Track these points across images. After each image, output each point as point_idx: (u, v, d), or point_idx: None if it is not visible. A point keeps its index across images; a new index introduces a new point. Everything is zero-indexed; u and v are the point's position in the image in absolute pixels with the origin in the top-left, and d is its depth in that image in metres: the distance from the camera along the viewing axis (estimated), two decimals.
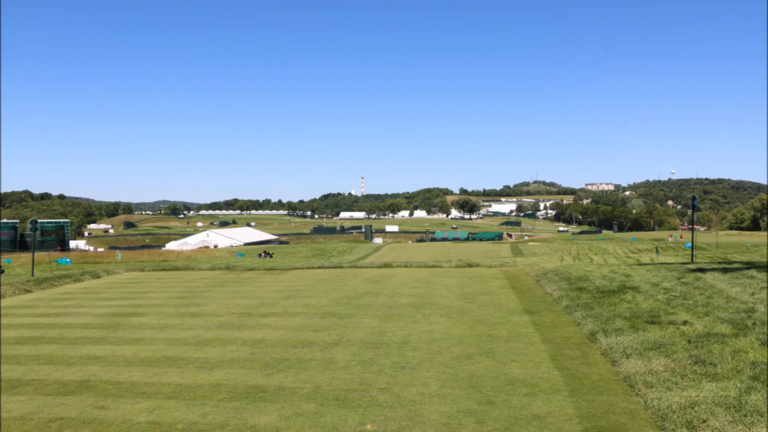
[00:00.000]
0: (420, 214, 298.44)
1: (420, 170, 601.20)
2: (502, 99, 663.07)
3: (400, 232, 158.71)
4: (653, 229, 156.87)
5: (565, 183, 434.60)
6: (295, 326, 11.46)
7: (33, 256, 26.65)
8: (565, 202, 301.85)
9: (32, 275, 23.48)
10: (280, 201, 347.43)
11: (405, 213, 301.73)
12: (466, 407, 6.53)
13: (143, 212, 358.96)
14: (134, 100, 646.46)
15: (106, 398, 7.25)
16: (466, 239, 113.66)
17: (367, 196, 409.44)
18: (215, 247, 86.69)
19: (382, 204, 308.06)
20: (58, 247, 60.79)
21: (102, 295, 17.43)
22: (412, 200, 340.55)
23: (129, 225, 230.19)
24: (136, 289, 18.69)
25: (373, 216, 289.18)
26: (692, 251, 25.22)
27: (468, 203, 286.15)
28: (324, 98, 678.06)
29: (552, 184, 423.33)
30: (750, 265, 18.61)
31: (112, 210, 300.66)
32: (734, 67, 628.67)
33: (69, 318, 13.30)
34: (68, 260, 41.39)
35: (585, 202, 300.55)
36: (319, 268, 24.45)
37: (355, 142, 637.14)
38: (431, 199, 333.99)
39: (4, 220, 68.26)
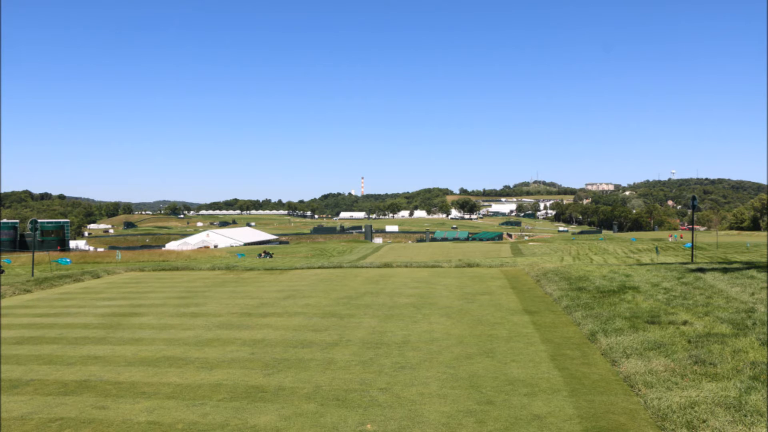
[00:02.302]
0: (420, 214, 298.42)
1: (420, 170, 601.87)
2: (502, 99, 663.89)
3: (400, 232, 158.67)
4: (653, 229, 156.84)
5: (565, 183, 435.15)
6: (295, 326, 11.46)
7: (33, 256, 26.65)
8: (565, 202, 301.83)
9: (32, 275, 23.48)
10: (280, 201, 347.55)
11: (405, 213, 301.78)
12: (466, 407, 6.53)
13: (143, 212, 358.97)
14: (134, 100, 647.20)
15: (106, 398, 7.25)
16: (466, 239, 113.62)
17: (367, 196, 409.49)
18: (215, 247, 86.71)
19: (382, 204, 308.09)
20: (58, 247, 60.81)
21: (102, 295, 17.43)
22: (412, 200, 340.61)
23: (129, 225, 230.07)
24: (136, 289, 18.69)
25: (373, 216, 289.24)
26: (692, 251, 25.23)
27: (468, 203, 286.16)
28: (324, 98, 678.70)
29: (552, 184, 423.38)
30: (750, 265, 18.61)
31: (112, 210, 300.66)
32: (734, 67, 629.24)
33: (69, 318, 13.30)
34: (68, 260, 41.39)
35: (585, 202, 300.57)
36: (319, 268, 24.45)
37: (355, 142, 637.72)
38: (431, 199, 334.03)
39: (4, 220, 68.27)
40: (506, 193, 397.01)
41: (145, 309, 14.23)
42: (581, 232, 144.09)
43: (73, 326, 12.20)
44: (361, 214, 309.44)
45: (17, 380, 8.17)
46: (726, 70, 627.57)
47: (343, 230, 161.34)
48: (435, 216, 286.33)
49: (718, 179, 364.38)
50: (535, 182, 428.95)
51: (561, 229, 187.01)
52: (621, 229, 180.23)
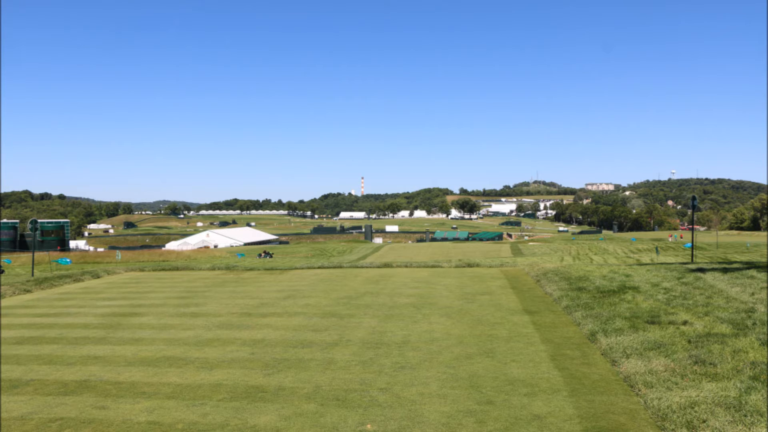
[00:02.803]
0: (420, 214, 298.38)
1: (420, 170, 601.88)
2: (502, 99, 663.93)
3: (400, 232, 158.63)
4: (653, 229, 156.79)
5: (565, 183, 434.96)
6: (295, 326, 11.46)
7: (33, 256, 26.65)
8: (565, 202, 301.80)
9: (32, 275, 23.48)
10: (280, 201, 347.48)
11: (405, 213, 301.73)
12: (466, 407, 6.53)
13: (143, 212, 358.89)
14: (134, 100, 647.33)
15: (106, 398, 7.25)
16: (466, 239, 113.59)
17: (367, 196, 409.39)
18: (215, 247, 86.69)
19: (382, 204, 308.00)
20: (58, 247, 60.80)
21: (102, 295, 17.43)
22: (412, 200, 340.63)
23: (129, 225, 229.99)
24: (136, 289, 18.69)
25: (373, 216, 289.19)
26: (692, 251, 25.23)
27: (468, 203, 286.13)
28: (324, 98, 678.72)
29: (552, 184, 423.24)
30: (750, 265, 18.61)
31: (112, 210, 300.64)
32: (734, 67, 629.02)
33: (69, 318, 13.30)
34: (68, 260, 41.39)
35: (585, 202, 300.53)
36: (319, 268, 24.44)
37: (355, 142, 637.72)
38: (431, 199, 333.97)
39: (4, 220, 68.26)
40: (506, 193, 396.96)
41: (145, 309, 14.23)
42: (581, 232, 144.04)
43: (73, 326, 12.20)
44: (361, 214, 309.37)
45: (17, 380, 8.17)
46: (726, 70, 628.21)
47: (343, 230, 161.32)
48: (435, 216, 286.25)
49: (718, 179, 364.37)
50: (535, 182, 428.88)
51: (561, 229, 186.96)
52: (621, 229, 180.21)
